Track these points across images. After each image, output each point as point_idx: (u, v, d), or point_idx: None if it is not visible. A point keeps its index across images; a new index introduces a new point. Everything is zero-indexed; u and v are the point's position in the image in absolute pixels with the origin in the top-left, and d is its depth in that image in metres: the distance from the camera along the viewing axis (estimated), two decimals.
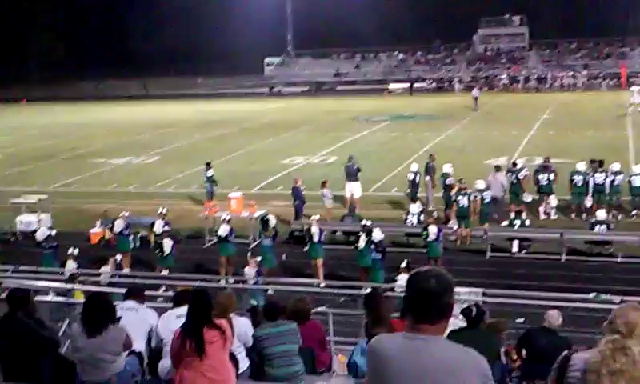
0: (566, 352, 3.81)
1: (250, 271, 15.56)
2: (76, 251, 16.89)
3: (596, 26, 79.48)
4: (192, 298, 6.26)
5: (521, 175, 21.53)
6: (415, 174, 22.40)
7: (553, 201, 21.30)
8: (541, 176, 21.47)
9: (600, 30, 78.77)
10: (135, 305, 7.43)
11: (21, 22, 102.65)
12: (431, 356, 3.18)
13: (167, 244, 17.33)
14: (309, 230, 17.58)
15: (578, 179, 20.93)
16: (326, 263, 17.30)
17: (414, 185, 22.32)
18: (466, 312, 7.81)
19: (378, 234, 16.25)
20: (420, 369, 3.17)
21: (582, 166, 21.33)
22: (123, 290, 8.18)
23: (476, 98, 51.92)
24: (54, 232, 18.63)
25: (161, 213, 18.91)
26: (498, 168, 22.03)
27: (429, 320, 3.24)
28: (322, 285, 15.85)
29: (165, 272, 16.89)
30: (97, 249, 19.81)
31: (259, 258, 16.22)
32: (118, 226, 18.76)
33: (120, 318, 6.78)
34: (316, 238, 17.19)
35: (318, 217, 18.25)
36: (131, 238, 19.09)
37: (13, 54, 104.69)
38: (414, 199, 21.57)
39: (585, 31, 79.96)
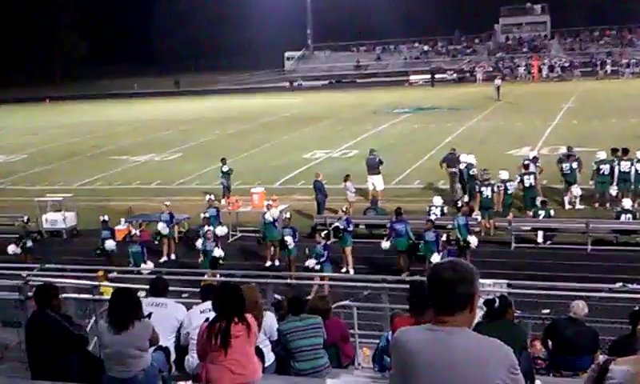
0: (604, 359, 3.59)
1: (319, 248, 15.77)
2: (106, 217, 18.74)
3: (619, 13, 78.46)
4: (219, 292, 6.26)
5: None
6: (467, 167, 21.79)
7: (575, 190, 20.91)
8: (564, 165, 21.24)
9: (623, 18, 77.75)
10: (165, 300, 7.39)
11: (44, 21, 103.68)
12: (456, 348, 3.16)
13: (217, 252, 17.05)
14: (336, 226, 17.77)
15: (604, 168, 20.67)
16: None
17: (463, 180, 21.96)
18: (488, 303, 7.77)
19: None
20: (446, 361, 3.16)
21: (604, 155, 21.07)
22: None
23: (498, 88, 51.52)
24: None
25: (209, 199, 19.28)
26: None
27: (448, 311, 3.22)
28: (352, 272, 16.53)
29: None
30: (122, 245, 19.91)
31: (324, 233, 16.50)
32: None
33: (151, 314, 6.80)
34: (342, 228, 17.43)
35: (345, 207, 19.06)
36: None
37: (36, 53, 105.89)
38: (465, 192, 21.59)
39: (607, 18, 78.98)
